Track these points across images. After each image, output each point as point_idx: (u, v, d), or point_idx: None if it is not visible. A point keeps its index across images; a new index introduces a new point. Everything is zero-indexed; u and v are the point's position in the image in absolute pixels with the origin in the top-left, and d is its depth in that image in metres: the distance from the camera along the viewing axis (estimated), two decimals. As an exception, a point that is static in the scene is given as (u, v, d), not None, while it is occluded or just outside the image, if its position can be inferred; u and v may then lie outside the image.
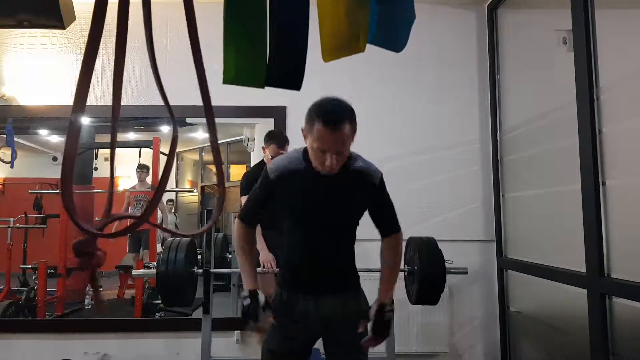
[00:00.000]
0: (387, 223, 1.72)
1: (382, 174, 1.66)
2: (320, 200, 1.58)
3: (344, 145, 1.47)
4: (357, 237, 1.71)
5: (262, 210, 1.72)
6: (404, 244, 2.57)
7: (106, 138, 4.36)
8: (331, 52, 1.06)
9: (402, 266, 2.55)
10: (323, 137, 1.44)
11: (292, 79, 1.07)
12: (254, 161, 3.89)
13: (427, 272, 2.35)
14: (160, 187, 0.73)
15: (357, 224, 1.68)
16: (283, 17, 1.00)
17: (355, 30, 1.03)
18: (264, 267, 2.68)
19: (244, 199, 2.79)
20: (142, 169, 4.44)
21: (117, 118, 0.73)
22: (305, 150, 1.61)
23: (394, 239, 1.73)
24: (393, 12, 1.09)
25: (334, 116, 1.44)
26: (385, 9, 1.07)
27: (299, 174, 1.58)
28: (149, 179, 4.44)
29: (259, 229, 2.74)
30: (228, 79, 1.00)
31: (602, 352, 2.03)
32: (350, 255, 1.73)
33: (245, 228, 1.69)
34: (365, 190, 1.62)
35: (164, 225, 4.88)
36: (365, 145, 3.28)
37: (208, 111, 0.71)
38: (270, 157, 2.78)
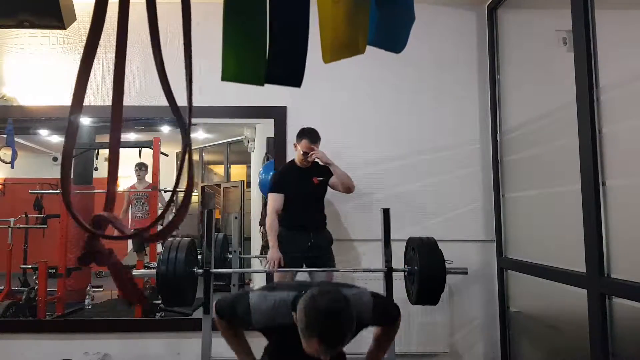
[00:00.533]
0: (386, 321, 1.71)
1: (371, 302, 1.58)
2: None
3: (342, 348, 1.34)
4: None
5: (235, 321, 1.72)
6: (404, 243, 2.58)
7: (107, 138, 4.38)
8: (331, 53, 1.04)
9: (402, 266, 2.56)
10: (320, 352, 1.29)
11: (293, 76, 1.03)
12: (254, 161, 3.89)
13: (427, 272, 2.35)
14: (186, 195, 0.74)
15: None
16: (284, 10, 0.97)
17: (355, 32, 1.01)
18: (268, 265, 2.69)
19: (270, 196, 2.82)
20: (140, 167, 4.44)
21: (120, 121, 0.73)
22: (294, 301, 1.43)
23: (392, 326, 1.73)
24: (393, 13, 1.08)
25: (335, 340, 1.28)
26: (385, 10, 1.06)
27: (286, 330, 1.43)
28: (148, 177, 4.44)
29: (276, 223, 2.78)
30: (227, 77, 0.97)
31: (602, 352, 2.02)
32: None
33: (225, 324, 1.73)
34: (364, 326, 1.58)
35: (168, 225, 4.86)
36: (366, 145, 3.31)
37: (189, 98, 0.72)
38: (301, 152, 2.79)
